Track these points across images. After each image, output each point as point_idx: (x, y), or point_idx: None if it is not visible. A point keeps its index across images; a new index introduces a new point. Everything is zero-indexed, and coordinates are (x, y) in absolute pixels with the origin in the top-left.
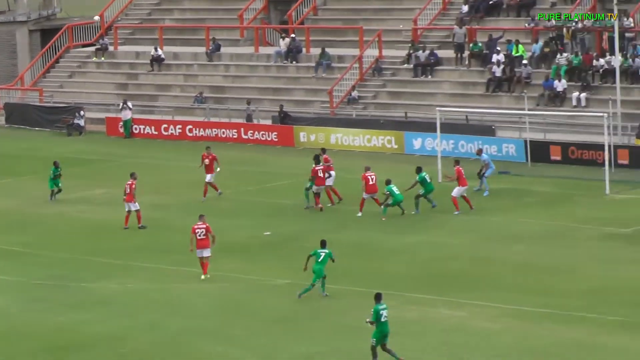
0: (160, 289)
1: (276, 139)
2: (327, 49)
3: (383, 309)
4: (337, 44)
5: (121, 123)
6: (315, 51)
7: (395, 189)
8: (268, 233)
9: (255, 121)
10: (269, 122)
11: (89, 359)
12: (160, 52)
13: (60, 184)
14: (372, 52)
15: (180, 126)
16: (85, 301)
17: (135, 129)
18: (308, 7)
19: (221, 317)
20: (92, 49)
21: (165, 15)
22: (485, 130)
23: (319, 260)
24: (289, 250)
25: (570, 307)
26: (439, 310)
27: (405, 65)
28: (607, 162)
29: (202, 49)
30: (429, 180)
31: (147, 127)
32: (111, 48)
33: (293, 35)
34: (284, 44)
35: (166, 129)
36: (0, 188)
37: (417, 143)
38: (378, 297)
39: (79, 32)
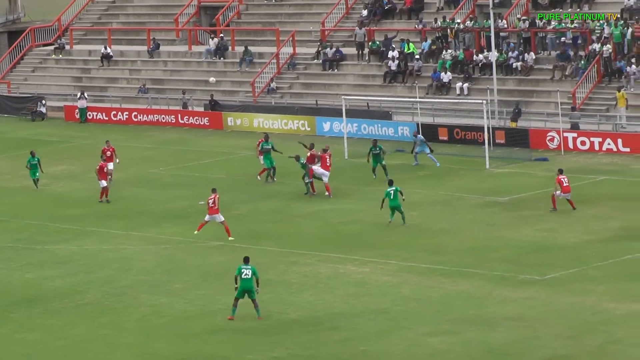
0: (113, 249)
1: (208, 123)
2: (249, 47)
3: (246, 269)
4: (257, 43)
5: (77, 110)
6: (240, 49)
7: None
8: (202, 202)
9: (190, 108)
10: (201, 109)
11: (54, 310)
12: (109, 50)
13: (38, 174)
14: (287, 50)
15: (127, 113)
16: (48, 261)
17: (89, 115)
18: (233, 12)
19: (165, 274)
20: (52, 47)
21: (113, 19)
22: (384, 115)
23: (391, 198)
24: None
25: (458, 263)
26: (347, 267)
27: (315, 60)
28: (486, 142)
29: (145, 48)
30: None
31: (99, 114)
32: (67, 47)
33: (221, 35)
34: (213, 43)
35: (115, 115)
36: None
37: (326, 126)
38: (246, 260)
39: (40, 34)
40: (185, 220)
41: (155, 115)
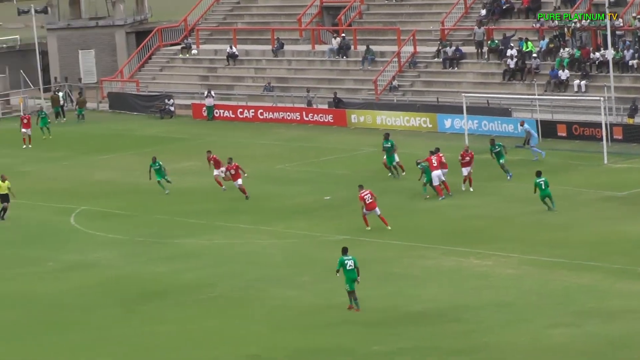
0: (242, 243)
1: (331, 121)
2: (371, 46)
3: (348, 259)
4: (379, 42)
5: (205, 108)
6: (362, 48)
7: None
8: (328, 197)
9: (314, 106)
10: (325, 106)
11: (184, 302)
12: (234, 49)
13: (162, 177)
14: (408, 49)
15: (253, 110)
16: (178, 254)
17: (216, 113)
18: (354, 12)
19: (292, 267)
20: (178, 47)
21: (238, 19)
22: (503, 112)
23: (542, 188)
24: (345, 211)
25: (578, 257)
26: (469, 260)
27: (436, 59)
28: (604, 138)
29: (269, 47)
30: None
31: (226, 111)
32: (194, 47)
33: (343, 35)
34: (335, 42)
35: (241, 113)
36: (105, 162)
37: (447, 123)
38: (344, 251)
39: (167, 34)
40: (311, 215)
41: (280, 113)
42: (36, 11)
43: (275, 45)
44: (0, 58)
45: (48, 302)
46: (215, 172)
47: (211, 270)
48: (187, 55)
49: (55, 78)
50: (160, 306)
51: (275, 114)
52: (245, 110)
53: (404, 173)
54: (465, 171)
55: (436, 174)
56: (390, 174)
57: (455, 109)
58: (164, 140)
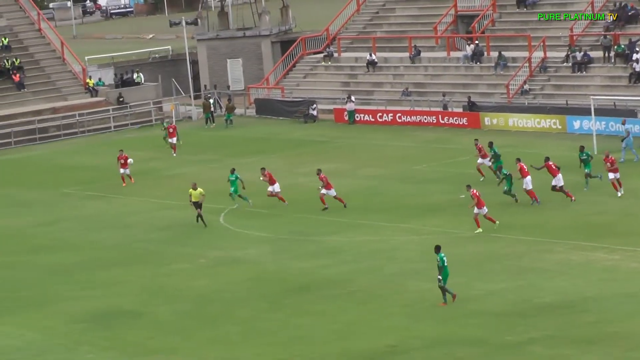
0: (380, 240)
1: (466, 123)
2: (503, 52)
3: (444, 256)
4: (510, 48)
5: (346, 112)
6: (494, 54)
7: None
8: (462, 196)
9: (449, 109)
10: (460, 109)
11: (326, 296)
12: (374, 57)
13: (235, 191)
14: (538, 54)
15: (391, 114)
16: (319, 251)
17: (357, 117)
18: (487, 20)
19: (428, 262)
20: (321, 55)
21: (377, 28)
22: (629, 113)
23: None
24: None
25: None
26: (597, 254)
27: (565, 63)
28: None
29: (406, 54)
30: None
31: (366, 115)
32: (335, 55)
33: (476, 42)
34: (469, 49)
35: (381, 117)
36: (252, 164)
37: (576, 124)
38: (438, 249)
39: (310, 43)
40: (446, 212)
41: (417, 116)
42: (187, 23)
43: (413, 53)
44: (153, 67)
45: (199, 297)
46: (270, 188)
47: (351, 266)
48: (329, 62)
49: (205, 86)
50: (304, 300)
51: (412, 117)
52: (384, 114)
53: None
54: (612, 176)
55: (528, 179)
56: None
57: (584, 111)
58: (307, 143)
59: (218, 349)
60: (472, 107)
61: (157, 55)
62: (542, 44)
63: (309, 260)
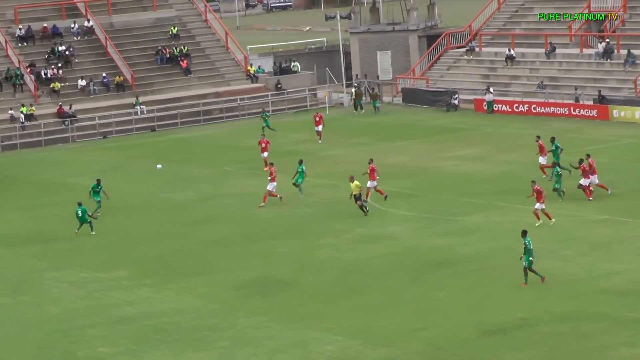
0: (515, 221)
1: (596, 115)
2: (632, 50)
3: (529, 240)
4: (639, 46)
5: (485, 103)
6: (623, 52)
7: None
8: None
9: (580, 102)
10: (590, 102)
11: (462, 272)
12: (512, 52)
13: (300, 181)
14: None
15: (527, 105)
16: (458, 230)
17: (495, 107)
18: (618, 20)
19: (558, 242)
20: (463, 50)
21: (516, 25)
22: None
23: None
24: (604, 194)
25: None
26: None
27: None
28: None
29: (542, 50)
30: None
31: (504, 106)
32: (477, 49)
33: (607, 40)
34: (601, 46)
35: (517, 107)
36: (397, 148)
37: None
38: (524, 233)
39: (454, 38)
40: (576, 197)
41: (550, 108)
42: (341, 17)
43: (548, 49)
44: (309, 57)
45: (345, 269)
46: (369, 184)
47: (487, 244)
48: (471, 56)
49: (357, 75)
50: (441, 275)
51: (546, 108)
52: (521, 105)
53: None
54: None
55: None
56: None
57: None
58: (449, 130)
59: (360, 317)
60: (602, 100)
61: (313, 46)
62: None
63: (447, 238)
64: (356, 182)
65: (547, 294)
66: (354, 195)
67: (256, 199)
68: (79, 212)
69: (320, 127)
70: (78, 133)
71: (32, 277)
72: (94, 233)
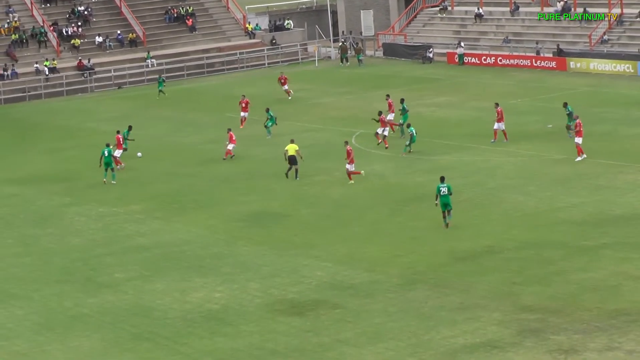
0: (483, 160)
1: (554, 66)
2: (587, 8)
3: (443, 187)
4: (593, 5)
5: (457, 56)
6: (579, 10)
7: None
8: (550, 126)
9: (541, 55)
10: (550, 55)
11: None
12: (481, 10)
13: (270, 125)
14: (616, 10)
15: (494, 58)
16: (433, 168)
17: (466, 59)
18: None
19: (521, 179)
20: (437, 9)
21: None
22: None
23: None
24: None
25: None
26: None
27: (638, 18)
28: None
29: (507, 9)
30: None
31: (473, 58)
32: (449, 8)
33: (565, 0)
34: (559, 5)
35: (485, 60)
36: (380, 96)
37: None
38: (442, 179)
39: None
40: (537, 139)
41: (515, 60)
42: None
43: (513, 7)
44: (300, 16)
45: (335, 202)
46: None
47: (459, 181)
48: (444, 14)
49: (342, 32)
50: (419, 207)
51: (511, 60)
52: (488, 58)
53: None
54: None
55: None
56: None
57: None
58: (424, 80)
59: (348, 246)
60: (560, 53)
61: (304, 6)
62: (619, 2)
63: (424, 175)
64: (295, 145)
65: (511, 225)
66: (289, 156)
67: (255, 142)
68: (106, 152)
69: (286, 86)
70: (96, 84)
71: (56, 211)
72: (114, 182)
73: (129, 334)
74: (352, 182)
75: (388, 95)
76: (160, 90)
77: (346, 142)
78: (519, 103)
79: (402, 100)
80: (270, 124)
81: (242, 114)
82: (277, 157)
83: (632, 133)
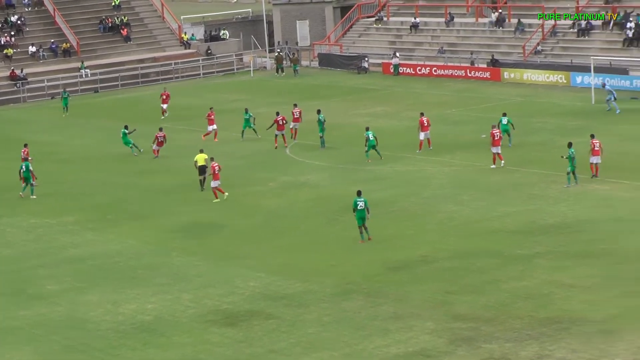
0: (416, 170)
1: (489, 77)
2: (522, 19)
3: (360, 201)
4: (528, 16)
5: (392, 66)
6: (514, 21)
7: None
8: (484, 136)
9: (475, 65)
10: (484, 65)
11: (373, 215)
12: (417, 20)
13: (248, 126)
14: (550, 22)
15: (429, 68)
16: (368, 178)
17: (401, 69)
18: None
19: (455, 189)
20: (373, 19)
21: None
22: (622, 71)
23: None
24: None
25: None
26: (592, 185)
27: (571, 29)
28: None
29: (443, 19)
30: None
31: (408, 69)
32: (385, 19)
33: (500, 10)
34: (494, 16)
35: (420, 70)
36: (315, 106)
37: (578, 79)
38: (358, 193)
39: (365, 8)
40: (470, 148)
41: (450, 70)
42: None
43: (448, 18)
44: (236, 26)
45: (269, 213)
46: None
47: (393, 191)
48: (380, 25)
49: (278, 42)
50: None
51: (446, 71)
52: (423, 68)
53: None
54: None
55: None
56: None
57: (585, 69)
58: (359, 91)
59: (283, 256)
60: (494, 63)
61: (239, 16)
62: (553, 13)
63: (359, 185)
64: (204, 154)
65: (445, 234)
66: (199, 166)
67: (191, 152)
68: (23, 167)
69: (165, 105)
70: (29, 94)
71: None
72: (34, 197)
73: (62, 346)
74: (218, 200)
75: (295, 105)
76: (64, 107)
77: (212, 159)
78: (454, 113)
79: (318, 111)
80: (246, 126)
81: (163, 105)
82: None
83: (566, 143)
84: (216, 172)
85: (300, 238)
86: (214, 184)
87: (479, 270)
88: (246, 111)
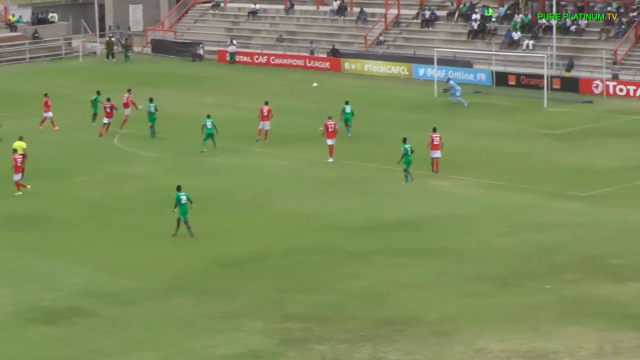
0: (251, 163)
1: (329, 67)
2: (364, 8)
3: (182, 195)
4: (370, 5)
5: (228, 54)
6: (356, 10)
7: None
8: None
9: (315, 55)
10: (324, 55)
11: (205, 208)
12: (256, 7)
13: (153, 121)
14: (393, 11)
15: (266, 57)
16: (199, 170)
17: (237, 58)
18: None
19: (290, 182)
20: (209, 5)
21: None
22: (466, 64)
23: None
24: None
25: (519, 181)
26: (433, 182)
27: (415, 20)
28: (545, 87)
29: (282, 6)
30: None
31: (245, 57)
32: (222, 4)
33: None
34: (335, 4)
35: (257, 59)
36: (146, 94)
37: (421, 71)
38: (178, 188)
39: None
40: (307, 142)
41: (288, 60)
42: None
43: (288, 5)
44: (65, 9)
45: (94, 205)
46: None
47: (227, 184)
48: (216, 11)
49: (110, 26)
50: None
51: (284, 60)
52: (261, 57)
53: None
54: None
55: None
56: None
57: (428, 61)
58: (194, 79)
59: (108, 250)
60: (335, 53)
61: None
62: (396, 2)
63: (190, 178)
64: (23, 142)
65: (279, 230)
66: (22, 154)
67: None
68: None
69: (50, 113)
70: None
71: None
72: None
73: None
74: (20, 192)
75: (129, 90)
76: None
77: (14, 150)
78: (292, 104)
79: (151, 100)
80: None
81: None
82: (37, 157)
83: (406, 136)
84: (18, 165)
85: (127, 232)
86: (15, 177)
87: (312, 267)
88: (151, 101)
